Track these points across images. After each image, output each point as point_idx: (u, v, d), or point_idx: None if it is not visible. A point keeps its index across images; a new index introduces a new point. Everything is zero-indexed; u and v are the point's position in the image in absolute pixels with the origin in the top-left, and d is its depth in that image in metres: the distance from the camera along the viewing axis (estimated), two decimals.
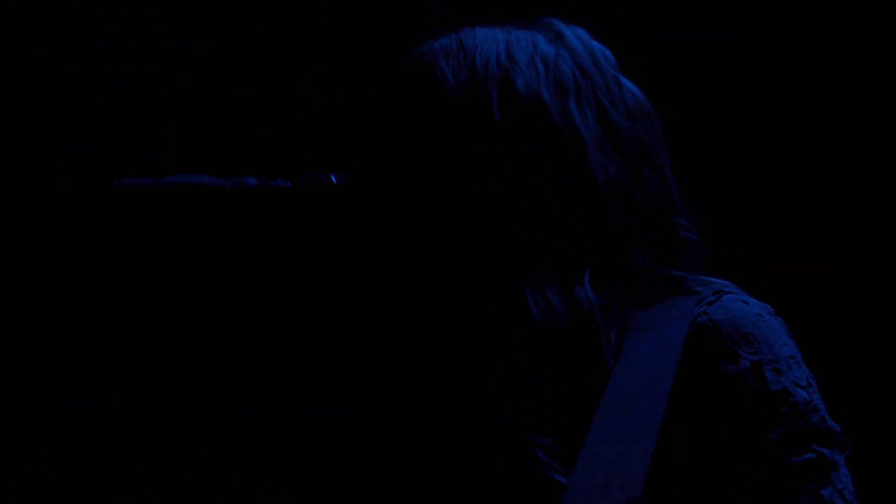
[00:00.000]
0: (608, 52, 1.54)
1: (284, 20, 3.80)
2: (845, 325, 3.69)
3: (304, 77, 3.80)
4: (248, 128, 3.76)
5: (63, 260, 3.94)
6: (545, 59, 1.47)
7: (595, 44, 1.54)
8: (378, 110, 1.50)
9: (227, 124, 3.78)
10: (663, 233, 1.46)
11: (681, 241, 1.47)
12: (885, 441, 3.61)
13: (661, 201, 1.47)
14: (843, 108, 3.73)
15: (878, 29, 3.68)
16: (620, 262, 1.41)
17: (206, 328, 3.97)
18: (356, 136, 1.52)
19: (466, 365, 1.41)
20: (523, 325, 1.37)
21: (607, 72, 1.51)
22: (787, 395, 1.33)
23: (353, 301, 1.52)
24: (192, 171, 1.44)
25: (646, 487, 1.20)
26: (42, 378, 4.14)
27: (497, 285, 1.40)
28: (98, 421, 4.14)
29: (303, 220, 1.49)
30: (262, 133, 3.75)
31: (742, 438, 1.32)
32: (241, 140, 3.71)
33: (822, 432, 1.35)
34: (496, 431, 1.37)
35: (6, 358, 4.15)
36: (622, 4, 3.47)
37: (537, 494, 1.31)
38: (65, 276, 3.95)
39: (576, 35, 1.52)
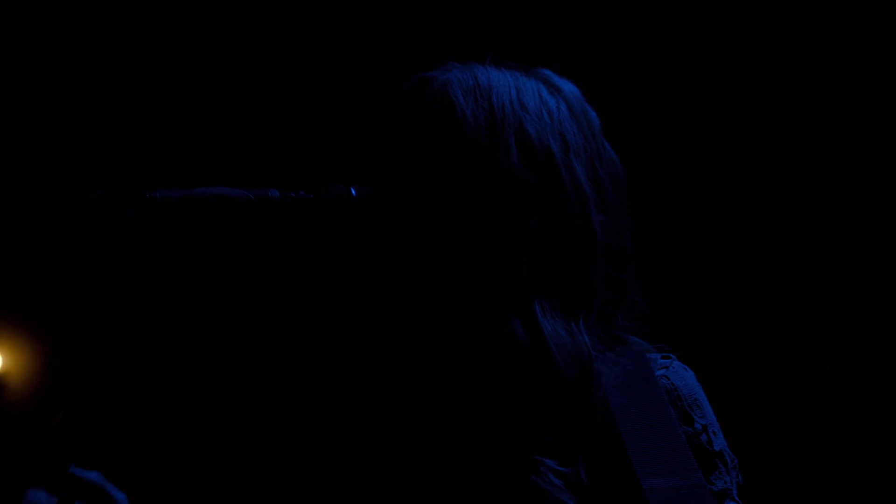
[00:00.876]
0: (594, 114, 1.62)
1: (310, 40, 3.86)
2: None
3: (329, 94, 3.86)
4: (273, 143, 3.82)
5: (94, 268, 4.01)
6: (550, 111, 1.55)
7: (585, 103, 1.62)
8: (396, 136, 1.56)
9: (253, 139, 3.84)
10: (621, 290, 1.56)
11: (629, 300, 1.57)
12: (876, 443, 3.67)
13: (624, 259, 1.57)
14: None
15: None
16: (595, 310, 1.52)
17: (226, 331, 4.03)
18: (374, 157, 1.58)
19: (475, 386, 1.50)
20: (539, 363, 1.46)
21: (596, 132, 1.60)
22: (723, 455, 1.51)
23: (365, 312, 1.59)
24: (218, 184, 1.51)
25: None
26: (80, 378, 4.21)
27: (509, 314, 1.48)
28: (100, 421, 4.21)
29: (323, 230, 1.56)
30: (285, 147, 3.82)
31: None
32: (266, 154, 3.78)
33: (739, 486, 1.52)
34: (505, 455, 1.45)
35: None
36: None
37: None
38: (96, 284, 4.01)
39: (570, 91, 1.61)
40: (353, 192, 1.54)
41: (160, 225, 1.47)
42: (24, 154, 3.95)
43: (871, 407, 3.75)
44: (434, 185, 1.51)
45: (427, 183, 1.52)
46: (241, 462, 4.04)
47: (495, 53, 1.62)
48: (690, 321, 3.42)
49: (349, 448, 1.58)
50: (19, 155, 3.95)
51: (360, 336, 1.65)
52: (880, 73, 3.72)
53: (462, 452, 1.48)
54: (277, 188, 1.54)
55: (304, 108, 3.84)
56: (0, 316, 4.40)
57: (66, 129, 3.92)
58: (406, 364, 1.55)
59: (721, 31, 3.77)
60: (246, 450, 4.03)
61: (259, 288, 3.73)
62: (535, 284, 1.48)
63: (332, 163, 3.33)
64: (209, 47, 3.86)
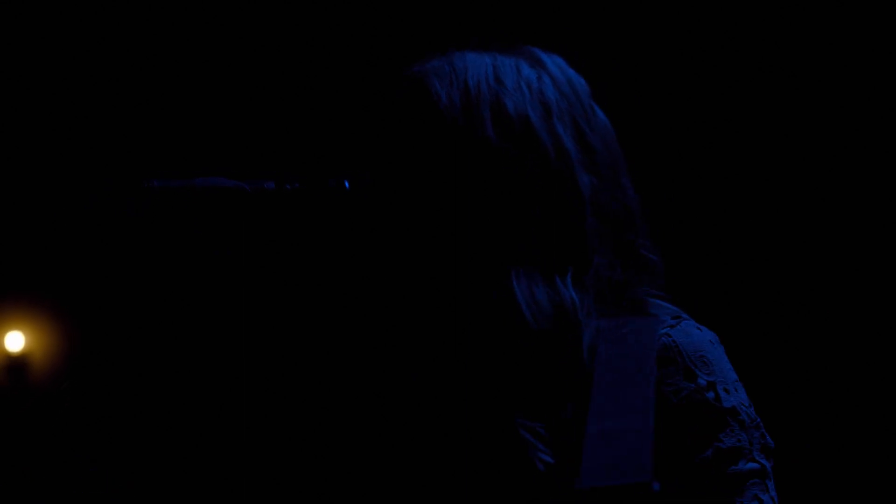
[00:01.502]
0: (583, 80, 1.67)
1: (305, 35, 3.89)
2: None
3: (325, 88, 3.89)
4: (270, 136, 3.85)
5: (86, 259, 4.03)
6: (529, 83, 1.59)
7: (571, 71, 1.66)
8: (379, 126, 1.61)
9: (249, 133, 3.87)
10: (626, 249, 1.59)
11: (641, 258, 1.60)
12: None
13: (625, 219, 1.60)
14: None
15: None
16: (590, 271, 1.55)
17: (221, 324, 4.04)
18: (362, 148, 1.63)
19: (456, 353, 1.54)
20: (511, 318, 1.50)
21: (583, 97, 1.64)
22: (736, 412, 1.49)
23: (357, 295, 1.63)
24: (215, 175, 1.55)
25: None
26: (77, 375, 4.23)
27: (488, 282, 1.53)
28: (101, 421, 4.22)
29: (316, 221, 1.59)
30: (281, 140, 3.85)
31: (697, 444, 1.47)
32: (262, 147, 3.80)
33: (763, 446, 1.50)
34: (484, 413, 1.49)
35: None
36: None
37: (525, 470, 1.43)
38: (97, 273, 4.04)
39: (554, 62, 1.65)
40: (347, 184, 1.58)
41: (159, 220, 1.50)
42: (25, 151, 3.98)
43: (871, 407, 3.76)
44: (417, 171, 1.57)
45: (411, 170, 1.57)
46: (240, 462, 4.06)
47: (479, 38, 1.66)
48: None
49: (349, 447, 1.61)
50: (20, 152, 3.97)
51: (356, 328, 1.69)
52: (880, 73, 3.73)
53: (459, 437, 1.51)
54: (274, 180, 1.57)
55: (300, 102, 3.87)
56: (24, 299, 4.46)
57: (66, 126, 3.95)
58: (397, 350, 1.59)
59: (721, 32, 3.79)
60: (246, 449, 4.04)
61: (257, 284, 3.75)
62: (517, 247, 1.52)
63: (328, 156, 3.36)
64: (206, 43, 3.88)
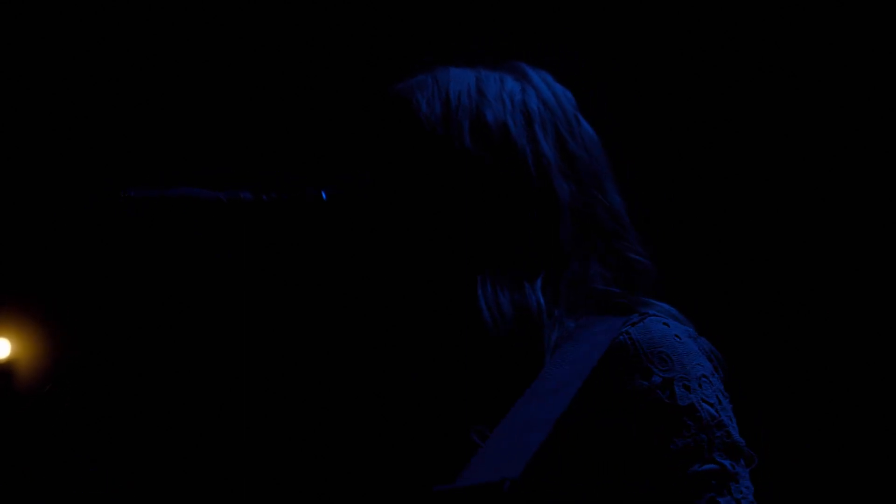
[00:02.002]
0: (569, 93, 1.69)
1: (284, 39, 3.89)
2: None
3: (302, 97, 3.89)
4: (248, 145, 3.86)
5: (71, 266, 4.04)
6: (512, 95, 1.62)
7: (557, 85, 1.69)
8: (360, 136, 1.64)
9: (227, 141, 3.87)
10: (613, 255, 1.59)
11: (628, 263, 1.60)
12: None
13: (611, 226, 1.60)
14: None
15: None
16: (566, 276, 1.55)
17: (202, 332, 4.05)
18: (342, 157, 1.65)
19: (421, 356, 1.56)
20: (473, 323, 1.52)
21: (567, 108, 1.66)
22: (694, 410, 1.44)
23: (338, 309, 1.65)
24: (192, 185, 1.56)
25: (527, 473, 1.28)
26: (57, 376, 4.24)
27: (456, 287, 1.54)
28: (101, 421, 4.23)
29: (295, 231, 1.61)
30: (259, 150, 3.85)
31: (646, 445, 1.44)
32: (240, 156, 3.81)
33: (726, 445, 1.45)
34: (439, 415, 1.50)
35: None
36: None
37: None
38: (73, 282, 4.05)
39: (540, 76, 1.68)
40: (324, 194, 1.59)
41: (149, 225, 1.52)
42: (25, 153, 3.99)
43: (871, 407, 3.75)
44: (395, 177, 1.60)
45: (389, 177, 1.60)
46: (240, 462, 4.07)
47: (468, 55, 1.69)
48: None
49: (349, 447, 1.63)
50: (20, 153, 3.99)
51: (329, 331, 1.71)
52: (880, 72, 3.73)
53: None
54: (250, 191, 1.59)
55: (281, 110, 3.88)
56: (10, 305, 4.46)
57: (55, 129, 3.96)
58: (370, 352, 1.61)
59: (721, 32, 3.78)
60: (245, 450, 4.05)
61: (254, 288, 3.76)
62: (487, 253, 1.54)
63: (305, 164, 3.36)
64: (191, 49, 3.89)
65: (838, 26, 3.73)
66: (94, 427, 4.23)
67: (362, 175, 1.63)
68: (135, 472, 4.26)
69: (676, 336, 1.50)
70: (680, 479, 1.42)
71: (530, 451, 1.28)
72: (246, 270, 3.63)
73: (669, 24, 3.81)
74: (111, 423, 4.24)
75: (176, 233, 1.54)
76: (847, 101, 3.77)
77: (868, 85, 3.75)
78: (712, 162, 3.86)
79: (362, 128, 1.64)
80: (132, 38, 3.84)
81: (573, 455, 1.44)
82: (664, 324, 1.51)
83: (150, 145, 3.83)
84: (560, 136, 1.61)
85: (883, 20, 3.71)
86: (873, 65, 3.73)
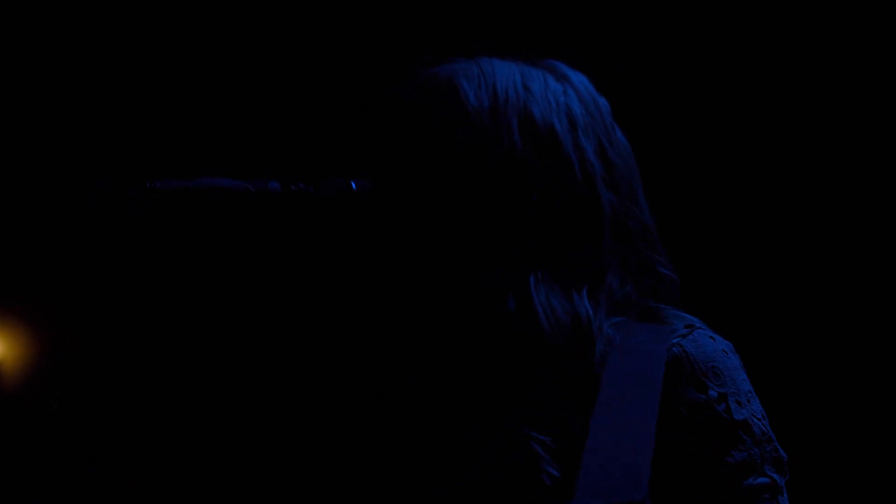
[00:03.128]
0: (604, 99, 1.65)
1: (312, 33, 3.86)
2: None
3: (329, 87, 3.86)
4: (274, 136, 3.83)
5: (95, 257, 4.01)
6: (556, 95, 1.58)
7: (594, 88, 1.65)
8: (401, 123, 1.58)
9: (253, 133, 3.85)
10: (642, 264, 1.57)
11: (657, 275, 1.58)
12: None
13: (642, 237, 1.58)
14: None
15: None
16: (604, 286, 1.53)
17: (203, 330, 4.03)
18: (376, 146, 1.60)
19: (471, 361, 1.51)
20: (529, 328, 1.48)
21: (605, 114, 1.63)
22: (748, 425, 1.46)
23: (367, 304, 1.61)
24: (218, 175, 1.51)
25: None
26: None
27: (506, 290, 1.50)
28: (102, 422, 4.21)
29: (323, 223, 1.57)
30: (287, 139, 3.82)
31: (704, 459, 1.43)
32: (268, 145, 3.78)
33: (775, 459, 1.47)
34: (493, 425, 1.46)
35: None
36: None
37: (532, 484, 1.40)
38: (96, 273, 4.02)
39: (578, 79, 1.64)
40: (354, 185, 1.55)
41: (160, 220, 1.47)
42: (24, 150, 3.96)
43: (871, 407, 3.75)
44: (439, 172, 1.54)
45: (432, 170, 1.54)
46: (241, 462, 4.05)
47: (501, 49, 1.64)
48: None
49: (349, 447, 1.60)
50: (19, 151, 3.95)
51: (359, 332, 1.67)
52: (880, 72, 3.72)
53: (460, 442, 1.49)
54: (278, 180, 1.54)
55: (304, 102, 3.85)
56: (5, 304, 4.41)
57: (66, 123, 3.93)
58: (408, 355, 1.57)
59: (721, 31, 3.78)
60: (246, 450, 4.03)
61: (259, 285, 3.74)
62: (536, 258, 1.50)
63: (332, 157, 3.33)
64: (209, 41, 3.86)
65: (838, 26, 3.73)
66: (94, 427, 4.21)
67: (394, 165, 1.57)
68: (135, 472, 4.25)
69: (724, 351, 1.50)
70: (735, 493, 1.43)
71: (644, 470, 1.30)
72: (247, 268, 3.61)
73: (669, 24, 3.80)
74: (111, 423, 4.22)
75: (203, 223, 1.49)
76: (847, 102, 3.77)
77: (868, 85, 3.75)
78: (712, 162, 3.86)
79: (398, 111, 1.59)
80: (145, 29, 3.81)
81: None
82: (711, 338, 1.51)
83: (167, 138, 3.80)
84: (601, 143, 1.58)
85: (883, 20, 3.70)
86: (873, 65, 3.73)
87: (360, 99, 3.28)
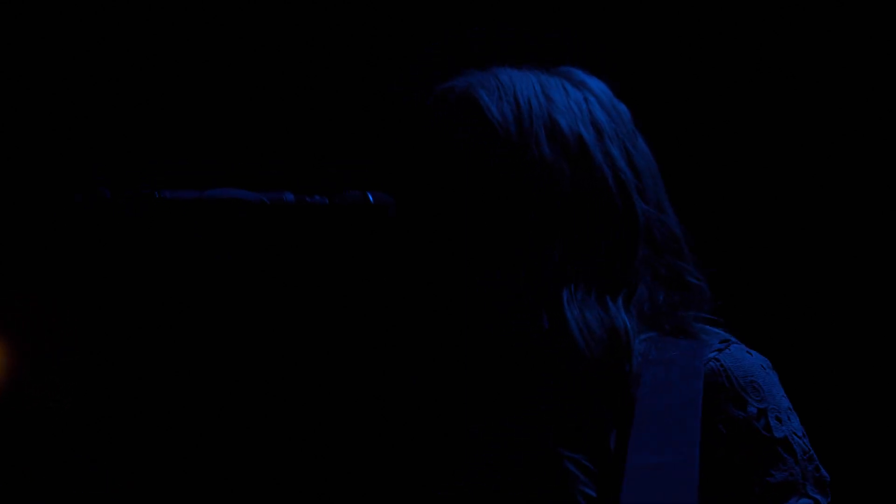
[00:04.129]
0: (624, 106, 1.61)
1: (326, 44, 3.83)
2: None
3: (345, 100, 3.83)
4: (288, 148, 3.79)
5: (103, 268, 3.98)
6: (577, 102, 1.54)
7: (612, 95, 1.61)
8: (425, 140, 1.54)
9: (267, 144, 3.81)
10: (671, 274, 1.53)
11: (686, 284, 1.54)
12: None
13: (671, 247, 1.55)
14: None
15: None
16: (636, 297, 1.49)
17: (203, 331, 4.00)
18: (400, 162, 1.56)
19: (502, 378, 1.47)
20: (563, 345, 1.43)
21: (627, 121, 1.59)
22: (788, 443, 1.42)
23: (386, 317, 1.57)
24: (232, 186, 1.47)
25: None
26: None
27: (539, 306, 1.46)
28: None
29: (339, 236, 1.53)
30: (302, 150, 3.79)
31: (745, 478, 1.39)
32: (282, 156, 3.74)
33: (817, 480, 1.43)
34: (527, 443, 1.42)
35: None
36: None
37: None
38: (102, 284, 3.99)
39: (597, 85, 1.60)
40: (371, 197, 1.50)
41: (163, 225, 1.43)
42: (24, 153, 3.93)
43: (871, 407, 3.72)
44: (469, 187, 1.50)
45: (461, 186, 1.50)
46: (241, 464, 4.03)
47: (513, 57, 1.61)
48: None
49: (350, 449, 1.57)
50: (18, 154, 3.92)
51: (370, 342, 1.64)
52: (880, 72, 3.69)
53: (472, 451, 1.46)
54: (293, 192, 1.50)
55: (319, 114, 3.82)
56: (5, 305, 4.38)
57: (71, 128, 3.89)
58: (434, 367, 1.53)
59: (721, 31, 3.75)
60: (247, 453, 4.01)
61: (264, 292, 3.71)
62: (569, 271, 1.47)
63: (347, 169, 3.30)
64: (227, 49, 3.83)
65: (838, 26, 3.70)
66: (94, 427, 4.19)
67: (422, 183, 1.53)
68: (135, 472, 4.23)
69: (762, 366, 1.47)
70: None
71: (692, 490, 1.27)
72: (258, 278, 3.59)
73: (669, 24, 3.77)
74: (111, 424, 4.20)
75: (213, 236, 1.45)
76: (847, 101, 3.74)
77: (868, 85, 3.72)
78: (711, 162, 3.83)
79: (418, 127, 1.54)
80: (155, 30, 3.78)
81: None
82: (748, 352, 1.48)
83: (173, 148, 3.77)
84: (627, 150, 1.54)
85: (883, 20, 3.67)
86: (873, 65, 3.70)
87: (377, 110, 3.26)
